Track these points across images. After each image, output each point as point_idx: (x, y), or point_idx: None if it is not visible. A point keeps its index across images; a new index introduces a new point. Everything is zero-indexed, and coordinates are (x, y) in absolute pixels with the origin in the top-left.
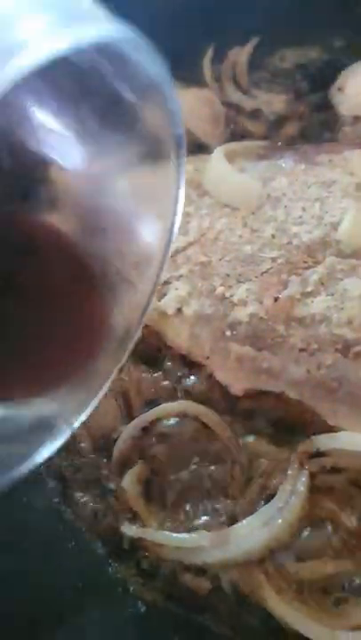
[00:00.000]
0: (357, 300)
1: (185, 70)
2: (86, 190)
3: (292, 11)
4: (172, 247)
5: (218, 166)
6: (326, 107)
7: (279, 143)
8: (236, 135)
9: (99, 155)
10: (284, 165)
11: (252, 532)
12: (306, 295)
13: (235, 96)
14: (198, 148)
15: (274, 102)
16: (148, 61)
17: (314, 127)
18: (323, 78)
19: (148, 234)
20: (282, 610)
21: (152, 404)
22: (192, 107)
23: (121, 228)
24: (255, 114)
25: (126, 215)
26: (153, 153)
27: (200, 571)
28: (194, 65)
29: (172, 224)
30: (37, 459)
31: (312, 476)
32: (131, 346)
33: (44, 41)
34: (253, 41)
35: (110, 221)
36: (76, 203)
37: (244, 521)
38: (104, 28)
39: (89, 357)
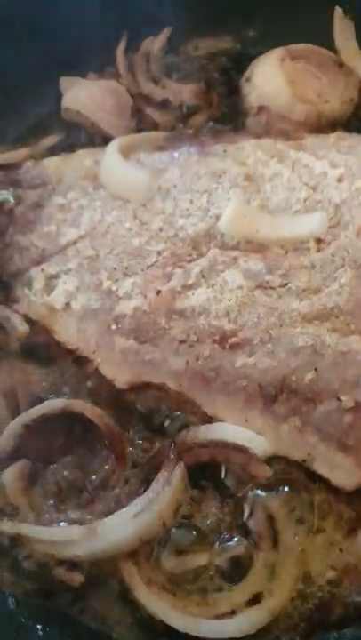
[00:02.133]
0: (235, 292)
1: (99, 60)
2: None
3: (207, 0)
4: (64, 240)
5: (109, 158)
6: (236, 97)
7: (190, 131)
8: (143, 127)
9: None
10: (177, 156)
11: (121, 524)
12: (187, 288)
13: (146, 87)
14: (104, 140)
15: (183, 92)
16: None
17: (222, 118)
18: (234, 69)
19: None
20: (149, 600)
21: (40, 400)
22: (97, 98)
23: None
24: (164, 104)
25: None
26: None
27: (73, 564)
28: (108, 55)
29: None
30: None
31: (189, 468)
32: None
33: None
34: (167, 31)
35: None
36: None
37: (116, 513)
38: None
39: None
